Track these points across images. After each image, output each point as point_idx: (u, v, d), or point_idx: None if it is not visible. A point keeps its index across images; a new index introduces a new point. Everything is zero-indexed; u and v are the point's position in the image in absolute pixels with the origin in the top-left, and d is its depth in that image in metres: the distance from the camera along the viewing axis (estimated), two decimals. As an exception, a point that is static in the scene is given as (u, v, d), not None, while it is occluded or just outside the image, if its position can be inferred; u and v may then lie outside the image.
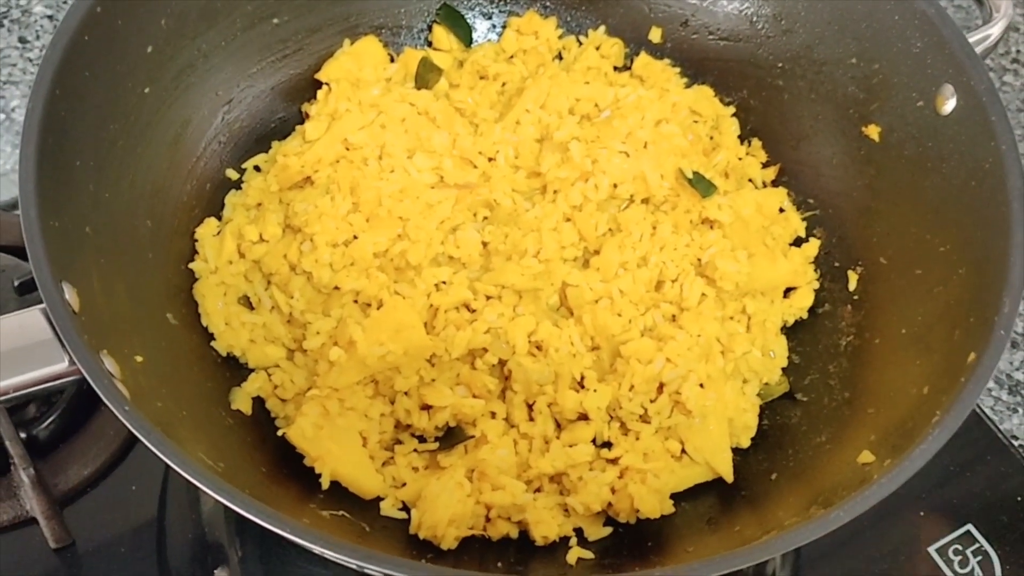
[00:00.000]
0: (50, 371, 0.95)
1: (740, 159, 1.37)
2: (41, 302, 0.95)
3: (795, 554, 1.28)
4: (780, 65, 1.36)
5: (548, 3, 1.45)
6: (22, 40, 1.64)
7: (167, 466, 0.89)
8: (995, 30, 1.25)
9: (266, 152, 1.33)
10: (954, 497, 1.30)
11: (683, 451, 1.15)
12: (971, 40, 1.19)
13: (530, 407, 1.16)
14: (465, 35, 1.43)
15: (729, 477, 1.16)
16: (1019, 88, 1.71)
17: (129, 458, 1.27)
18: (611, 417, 1.16)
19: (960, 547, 1.26)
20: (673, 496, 1.14)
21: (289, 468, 1.12)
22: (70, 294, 0.96)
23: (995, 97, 1.13)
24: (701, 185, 1.25)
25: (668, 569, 0.90)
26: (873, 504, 0.92)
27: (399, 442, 1.16)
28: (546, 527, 1.09)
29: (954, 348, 1.04)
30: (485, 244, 1.23)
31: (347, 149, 1.27)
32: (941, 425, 0.95)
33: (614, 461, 1.13)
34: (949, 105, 1.17)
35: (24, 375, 0.95)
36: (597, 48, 1.43)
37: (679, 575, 0.87)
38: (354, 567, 0.90)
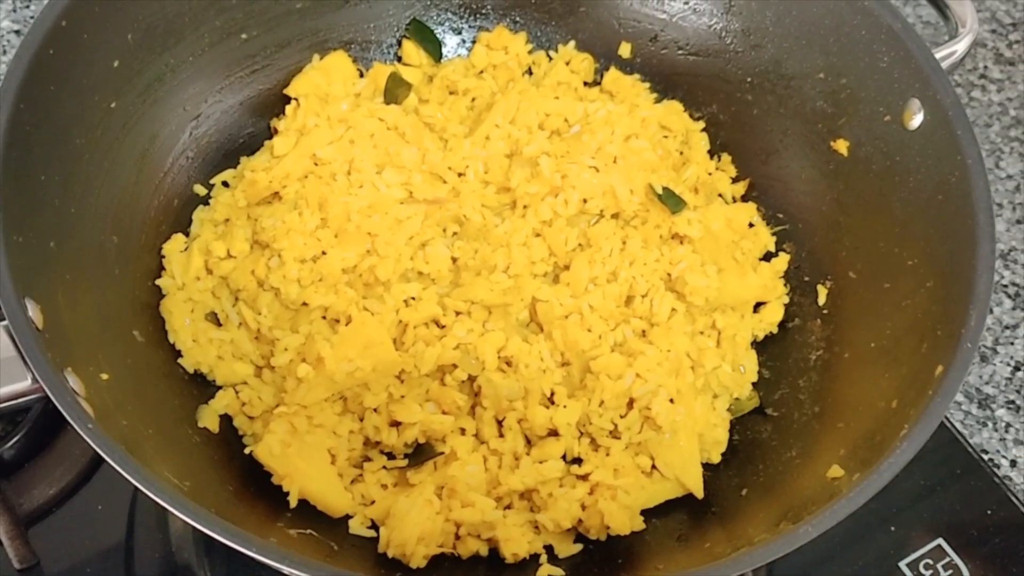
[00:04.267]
0: (12, 389, 0.94)
1: (710, 174, 1.37)
2: (3, 319, 0.93)
3: (767, 570, 1.27)
4: (749, 80, 1.36)
5: (518, 18, 1.45)
6: (-12, 55, 1.63)
7: (134, 486, 0.88)
8: (961, 45, 1.25)
9: (234, 168, 1.32)
10: (924, 512, 1.31)
11: (653, 467, 1.15)
12: (937, 55, 1.20)
13: (500, 423, 1.16)
14: (435, 50, 1.43)
15: (699, 493, 1.15)
16: (987, 104, 1.72)
17: (95, 478, 1.26)
18: (581, 433, 1.16)
19: (931, 561, 1.27)
20: (643, 512, 1.14)
21: (257, 486, 1.11)
22: (33, 311, 0.95)
23: (961, 112, 1.14)
24: (671, 200, 1.25)
25: (637, 585, 0.89)
26: (841, 519, 0.92)
27: (368, 459, 1.15)
28: (516, 544, 1.08)
29: (922, 361, 1.05)
30: (454, 259, 1.22)
31: (315, 164, 1.26)
32: (909, 438, 0.96)
33: (584, 477, 1.13)
34: (916, 120, 1.18)
35: (-15, 393, 0.94)
36: (567, 63, 1.43)
37: (648, 592, 0.87)
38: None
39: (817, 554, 1.27)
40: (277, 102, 1.36)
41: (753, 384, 1.25)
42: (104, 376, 1.02)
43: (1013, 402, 1.42)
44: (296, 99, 1.34)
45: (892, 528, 1.28)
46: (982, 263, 1.05)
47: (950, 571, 1.26)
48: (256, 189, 1.25)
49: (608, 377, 1.14)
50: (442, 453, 1.13)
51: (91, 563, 1.21)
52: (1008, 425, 1.41)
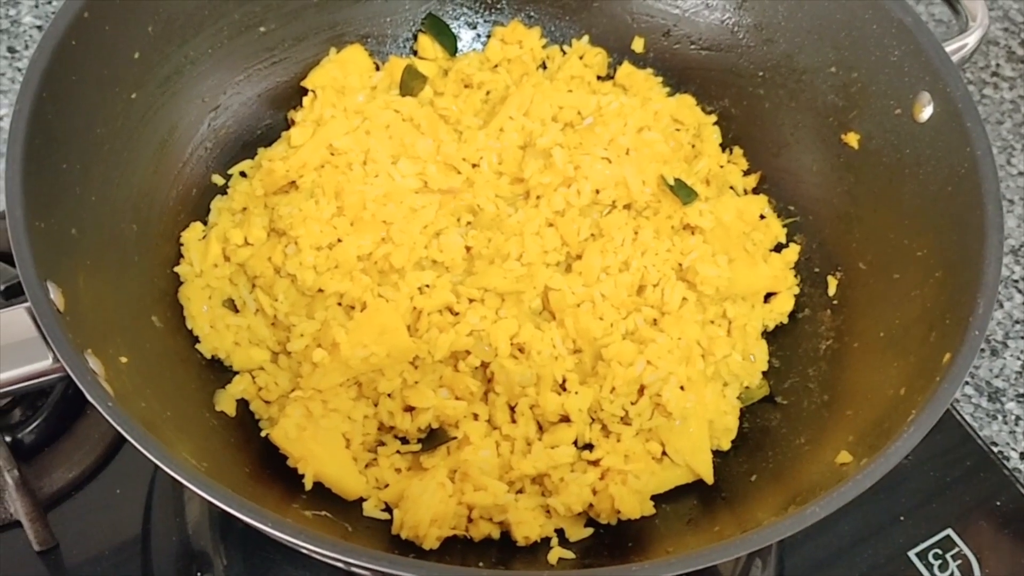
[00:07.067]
0: (34, 368, 0.95)
1: (721, 167, 1.38)
2: (26, 301, 0.95)
3: (778, 559, 1.28)
4: (761, 74, 1.37)
5: (533, 13, 1.46)
6: (11, 50, 1.65)
7: (153, 471, 0.89)
8: (971, 39, 1.26)
9: (252, 158, 1.34)
10: (934, 503, 1.32)
11: (664, 453, 1.16)
12: (948, 49, 1.21)
13: (512, 409, 1.17)
14: (450, 44, 1.44)
15: (709, 479, 1.16)
16: (999, 101, 1.73)
17: (114, 462, 1.27)
18: (592, 419, 1.17)
19: (940, 551, 1.28)
20: (654, 497, 1.15)
21: (272, 469, 1.12)
22: (55, 294, 0.97)
23: (971, 104, 1.15)
24: (683, 191, 1.26)
25: (646, 564, 0.90)
26: (848, 501, 0.92)
27: (382, 443, 1.16)
28: (528, 528, 1.09)
29: (930, 349, 1.05)
30: (468, 248, 1.23)
31: (332, 154, 1.28)
32: (916, 423, 0.96)
33: (595, 463, 1.14)
34: (926, 112, 1.18)
35: (7, 372, 0.95)
36: (580, 58, 1.44)
37: (656, 570, 0.88)
38: (340, 565, 0.90)
39: (828, 544, 1.28)
40: (294, 94, 1.38)
41: (763, 373, 1.26)
42: (123, 359, 1.04)
43: (1023, 395, 1.43)
44: (313, 91, 1.36)
45: (902, 518, 1.29)
46: (990, 252, 1.06)
47: (959, 561, 1.27)
48: (273, 178, 1.26)
49: (619, 364, 1.15)
50: (455, 438, 1.14)
51: (109, 546, 1.23)
52: (1018, 418, 1.42)
